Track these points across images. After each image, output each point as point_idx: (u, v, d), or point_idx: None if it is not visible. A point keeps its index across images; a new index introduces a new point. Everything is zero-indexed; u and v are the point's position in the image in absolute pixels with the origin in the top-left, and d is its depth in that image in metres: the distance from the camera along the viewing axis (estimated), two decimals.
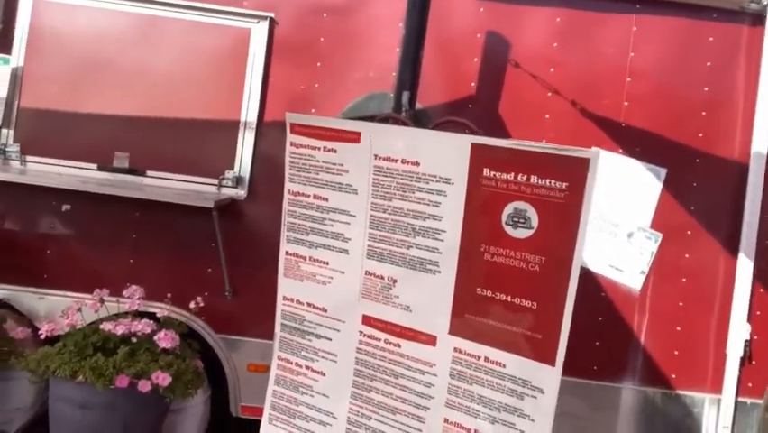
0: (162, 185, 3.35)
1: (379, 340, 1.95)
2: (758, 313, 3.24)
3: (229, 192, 3.34)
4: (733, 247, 3.27)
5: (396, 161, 1.87)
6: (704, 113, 3.30)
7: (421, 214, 1.84)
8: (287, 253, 2.11)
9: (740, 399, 3.25)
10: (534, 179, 1.67)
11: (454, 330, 1.83)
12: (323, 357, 2.07)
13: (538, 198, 1.67)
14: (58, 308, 3.20)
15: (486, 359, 1.77)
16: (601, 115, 3.30)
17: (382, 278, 1.93)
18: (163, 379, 2.71)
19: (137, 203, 3.28)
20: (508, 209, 1.71)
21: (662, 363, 3.30)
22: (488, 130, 2.97)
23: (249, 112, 3.37)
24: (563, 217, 1.64)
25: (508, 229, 1.72)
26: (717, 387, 3.26)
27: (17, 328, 3.17)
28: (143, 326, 2.87)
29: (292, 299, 2.12)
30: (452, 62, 3.35)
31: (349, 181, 1.97)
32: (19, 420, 3.28)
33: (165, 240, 3.38)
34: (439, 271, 1.83)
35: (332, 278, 2.03)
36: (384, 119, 2.68)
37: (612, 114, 3.30)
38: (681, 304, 3.29)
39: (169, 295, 3.20)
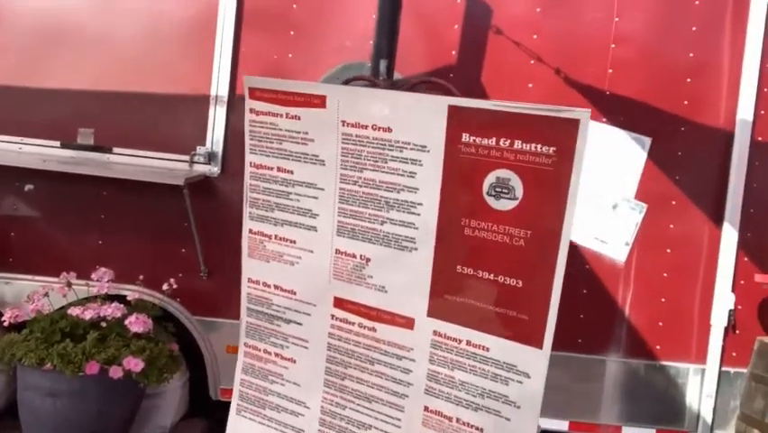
0: (130, 162, 3.20)
1: (353, 324, 1.84)
2: (742, 282, 3.21)
3: (201, 169, 3.21)
4: (718, 217, 3.22)
5: (366, 127, 1.72)
6: (689, 79, 3.21)
7: (395, 186, 1.70)
8: (250, 231, 1.97)
9: (724, 368, 3.24)
10: (518, 144, 1.52)
11: (433, 312, 1.72)
12: (293, 343, 1.95)
13: (523, 165, 1.53)
14: (25, 294, 3.07)
15: (468, 342, 1.67)
16: (586, 83, 3.19)
17: (354, 257, 1.80)
18: (135, 364, 2.61)
19: (104, 182, 3.14)
20: (490, 178, 1.58)
21: (646, 334, 3.27)
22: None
23: (220, 84, 3.22)
24: (551, 187, 1.50)
25: (490, 201, 1.59)
26: (701, 357, 3.25)
27: None
28: (113, 309, 2.76)
29: (258, 282, 1.99)
30: (431, 30, 3.23)
31: (315, 151, 1.81)
32: None
33: (135, 220, 3.26)
34: (416, 249, 1.71)
35: (300, 258, 1.90)
36: (354, 81, 2.49)
37: (597, 81, 3.20)
38: (665, 275, 3.25)
39: (141, 277, 3.09)
